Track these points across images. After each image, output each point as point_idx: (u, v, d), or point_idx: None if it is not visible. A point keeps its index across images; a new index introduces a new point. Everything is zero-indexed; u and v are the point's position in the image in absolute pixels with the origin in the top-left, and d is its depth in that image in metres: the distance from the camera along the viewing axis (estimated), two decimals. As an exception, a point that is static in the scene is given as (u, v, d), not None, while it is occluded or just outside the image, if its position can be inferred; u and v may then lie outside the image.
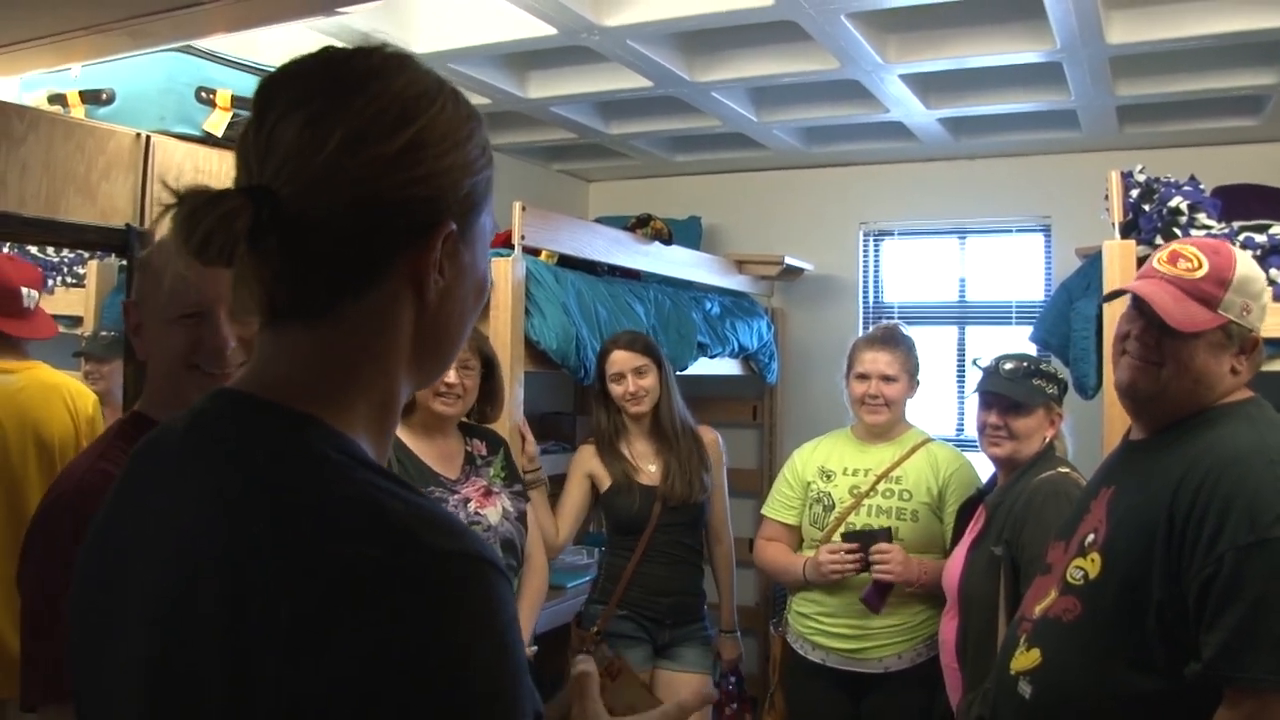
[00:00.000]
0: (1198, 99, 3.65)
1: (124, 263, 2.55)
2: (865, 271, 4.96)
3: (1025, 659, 1.86)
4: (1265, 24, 2.84)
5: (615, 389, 3.20)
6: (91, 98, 2.67)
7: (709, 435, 3.41)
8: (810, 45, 3.22)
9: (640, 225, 3.89)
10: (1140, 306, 1.84)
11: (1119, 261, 2.60)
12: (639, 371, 3.18)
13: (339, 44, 0.86)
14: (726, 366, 4.32)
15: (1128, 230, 2.69)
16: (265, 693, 0.66)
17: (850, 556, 2.96)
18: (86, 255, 3.04)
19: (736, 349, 4.27)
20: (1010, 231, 4.74)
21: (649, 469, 3.24)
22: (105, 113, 2.65)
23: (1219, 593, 1.62)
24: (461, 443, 2.69)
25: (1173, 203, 2.61)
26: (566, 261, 3.44)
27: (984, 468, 2.97)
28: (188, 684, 0.71)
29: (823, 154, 4.67)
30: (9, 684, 1.46)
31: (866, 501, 3.08)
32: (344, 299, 0.79)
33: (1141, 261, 2.39)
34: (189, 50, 2.65)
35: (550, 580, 3.05)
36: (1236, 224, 2.69)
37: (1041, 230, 4.64)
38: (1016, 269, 4.71)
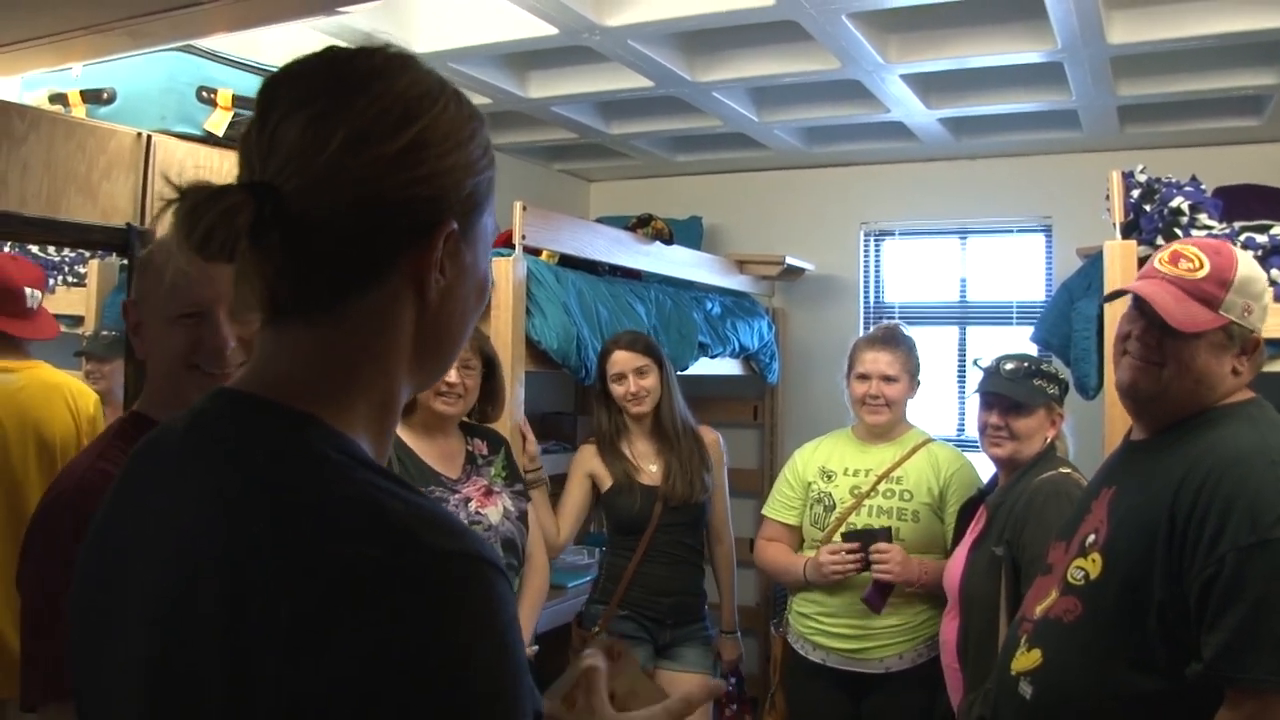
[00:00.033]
0: (1199, 99, 3.65)
1: (125, 262, 2.55)
2: (866, 271, 4.96)
3: (1026, 659, 1.86)
4: (1266, 24, 2.84)
5: (616, 389, 3.20)
6: (92, 97, 2.67)
7: (710, 435, 3.41)
8: (811, 45, 3.22)
9: (641, 225, 3.89)
10: (1141, 307, 1.83)
11: (1120, 262, 2.60)
12: (640, 371, 3.18)
13: (341, 44, 0.86)
14: (727, 366, 4.32)
15: (1129, 230, 2.69)
16: (265, 692, 0.66)
17: (851, 557, 2.96)
18: (87, 255, 3.04)
19: (737, 349, 4.27)
20: (1011, 232, 4.74)
21: (650, 469, 3.24)
22: (106, 112, 2.65)
23: (1220, 593, 1.62)
24: (462, 442, 2.69)
25: (1174, 203, 2.60)
26: (567, 261, 3.45)
27: (985, 468, 2.97)
28: (187, 684, 0.71)
29: (824, 154, 4.66)
30: (10, 683, 1.45)
31: (867, 502, 3.08)
32: (346, 297, 0.79)
33: (1143, 262, 2.38)
34: (190, 50, 2.65)
35: (551, 580, 3.05)
36: (1238, 224, 2.69)
37: (1042, 230, 4.64)
38: (1017, 269, 4.71)
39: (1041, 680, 1.82)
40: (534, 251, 3.20)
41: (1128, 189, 2.69)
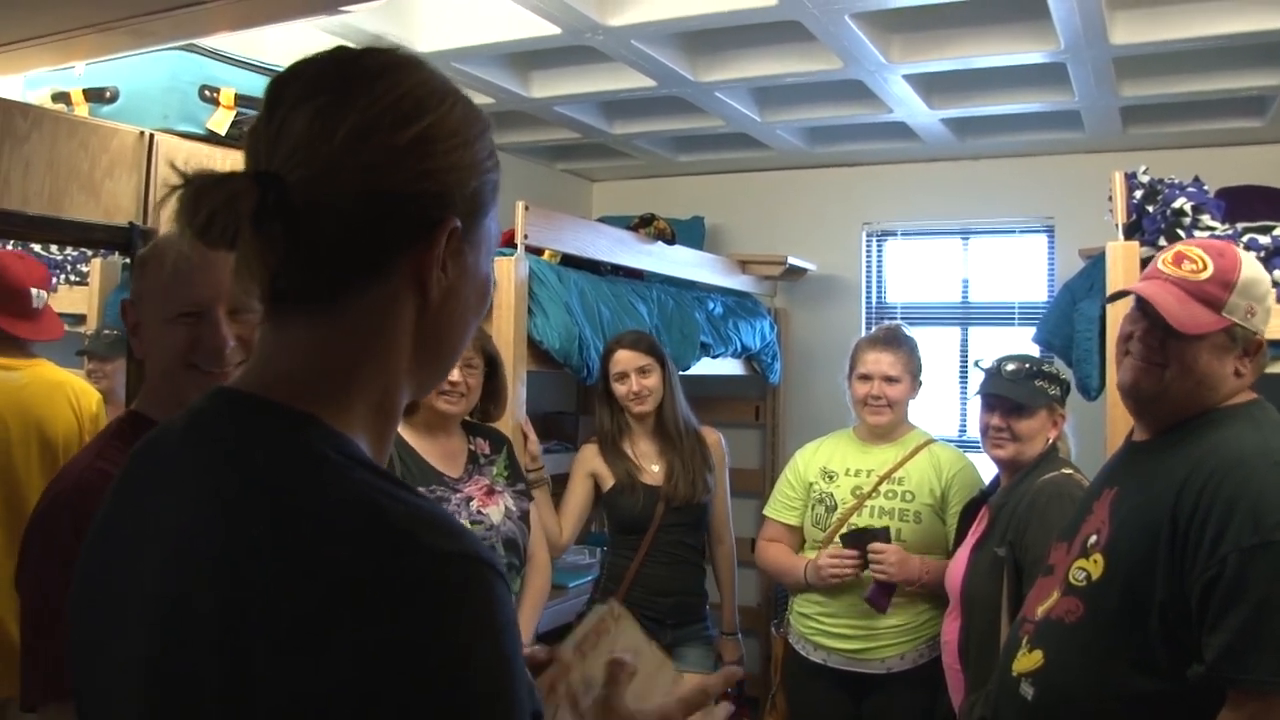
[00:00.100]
0: (1202, 100, 3.65)
1: (127, 261, 2.55)
2: (868, 272, 4.96)
3: (1027, 660, 1.86)
4: (1270, 25, 2.83)
5: (619, 388, 3.20)
6: (95, 96, 2.67)
7: (712, 436, 3.41)
8: (814, 45, 3.22)
9: (643, 225, 3.89)
10: (1144, 307, 1.83)
11: (1122, 263, 2.60)
12: (643, 371, 3.18)
13: (348, 44, 0.87)
14: (729, 366, 4.32)
15: (1131, 231, 2.68)
16: (264, 693, 0.66)
17: (849, 561, 2.97)
18: (90, 253, 3.04)
19: (739, 349, 4.26)
20: (1013, 232, 4.73)
21: (652, 469, 3.24)
22: (109, 111, 2.65)
23: (1222, 594, 1.61)
24: (464, 441, 2.69)
25: (1176, 204, 2.60)
26: (570, 261, 3.45)
27: (987, 469, 2.96)
28: (186, 684, 0.70)
29: (826, 154, 4.66)
30: (13, 681, 1.45)
31: (869, 502, 3.08)
32: (347, 291, 0.79)
33: (1145, 263, 2.38)
34: (193, 49, 2.65)
35: (553, 580, 3.05)
36: (1240, 225, 2.69)
37: (1045, 231, 4.63)
38: (1019, 270, 4.70)
39: (1043, 681, 1.82)
40: (536, 251, 3.20)
41: (1130, 190, 2.69)
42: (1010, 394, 2.64)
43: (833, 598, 3.04)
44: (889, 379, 3.11)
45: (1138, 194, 2.68)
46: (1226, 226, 2.64)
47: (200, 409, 0.82)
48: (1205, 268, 1.80)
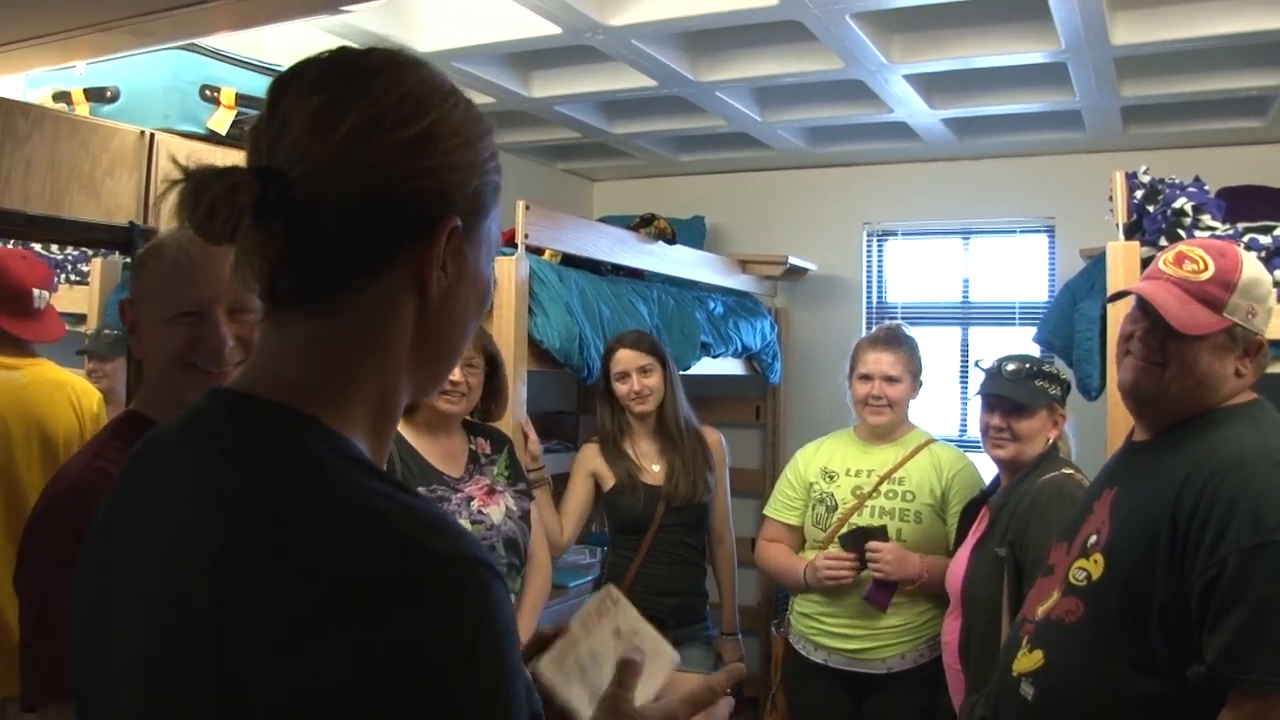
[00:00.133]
0: (1203, 100, 3.64)
1: (128, 260, 2.55)
2: (869, 272, 4.96)
3: (1028, 660, 1.86)
4: (1270, 25, 2.83)
5: (620, 388, 3.20)
6: (96, 95, 2.68)
7: (713, 436, 3.41)
8: (814, 45, 3.22)
9: (644, 225, 3.89)
10: (1145, 307, 1.83)
11: (1123, 263, 2.60)
12: (644, 370, 3.18)
13: (349, 44, 0.87)
14: (729, 366, 4.32)
15: (1132, 231, 2.68)
16: (265, 693, 0.66)
17: (846, 563, 2.97)
18: (90, 253, 3.04)
19: (740, 349, 4.26)
20: (1014, 232, 4.73)
21: (653, 468, 3.24)
22: (110, 110, 2.66)
23: (1222, 594, 1.61)
24: (465, 441, 2.69)
25: (1177, 204, 2.60)
26: (570, 261, 3.45)
27: (987, 469, 2.96)
28: (187, 684, 0.71)
29: (827, 154, 4.66)
30: (14, 680, 1.45)
31: (869, 502, 3.08)
32: (347, 288, 0.79)
33: (1146, 263, 2.38)
34: (193, 48, 2.65)
35: (553, 580, 3.05)
36: (1241, 225, 2.69)
37: (1045, 231, 4.63)
38: (1020, 270, 4.70)
39: (1043, 681, 1.82)
40: (537, 251, 3.20)
41: (1131, 190, 2.69)
42: (1011, 394, 2.64)
43: (833, 597, 3.04)
44: (889, 379, 3.11)
45: (1138, 194, 2.68)
46: (1227, 226, 2.64)
47: (199, 409, 0.82)
48: (1206, 268, 1.80)
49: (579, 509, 3.26)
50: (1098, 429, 2.64)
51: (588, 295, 3.31)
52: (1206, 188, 2.73)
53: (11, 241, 2.70)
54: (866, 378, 3.14)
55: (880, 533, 2.99)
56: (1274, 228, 2.65)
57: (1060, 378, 2.72)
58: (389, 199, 0.78)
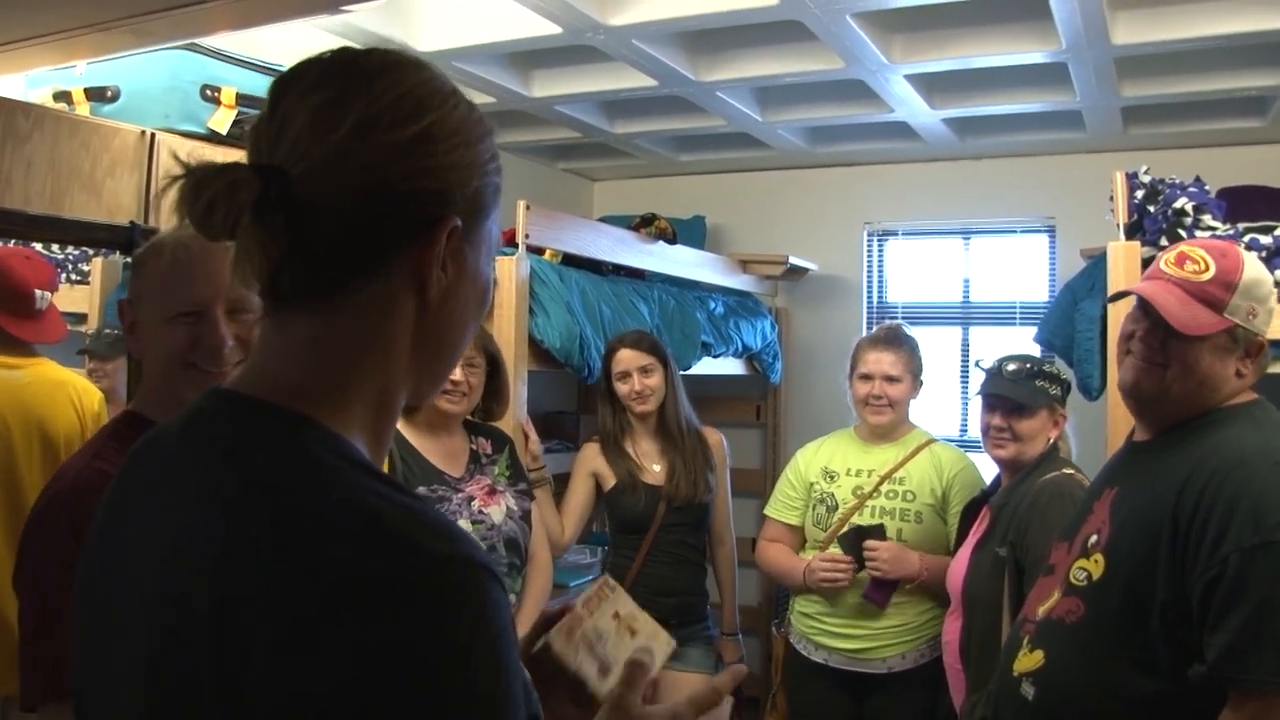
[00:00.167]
0: (1203, 100, 3.65)
1: (128, 260, 2.55)
2: (869, 272, 4.96)
3: (1028, 660, 1.86)
4: (1270, 25, 2.83)
5: (621, 388, 3.20)
6: (97, 95, 2.68)
7: (714, 436, 3.41)
8: (815, 45, 3.22)
9: (645, 224, 3.90)
10: (1145, 307, 1.83)
11: (1123, 263, 2.60)
12: (645, 370, 3.18)
13: (347, 44, 0.87)
14: (730, 366, 4.32)
15: (1132, 231, 2.68)
16: (264, 693, 0.66)
17: (843, 565, 2.97)
18: (91, 253, 3.04)
19: (740, 349, 4.26)
20: (1015, 232, 4.73)
21: (654, 468, 3.24)
22: (110, 110, 2.66)
23: (1223, 594, 1.61)
24: (466, 441, 2.69)
25: (1178, 204, 2.60)
26: (571, 260, 3.45)
27: (988, 468, 2.96)
28: (186, 684, 0.71)
29: (827, 154, 4.66)
30: (15, 680, 1.45)
31: (870, 502, 3.08)
32: (347, 287, 0.79)
33: (1146, 263, 2.38)
34: (194, 48, 2.66)
35: (554, 579, 3.05)
36: (1242, 225, 2.69)
37: (1046, 231, 4.63)
38: (1021, 270, 4.70)
39: (1044, 681, 1.82)
40: (537, 251, 3.20)
41: (1131, 190, 2.69)
42: (1011, 394, 2.64)
43: (834, 597, 3.04)
44: (890, 379, 3.11)
45: (1139, 194, 2.68)
46: (1228, 226, 2.64)
47: (199, 408, 0.82)
48: (1207, 269, 1.79)
49: (580, 509, 3.26)
50: (1098, 429, 2.64)
51: (588, 295, 3.30)
52: (1207, 188, 2.73)
53: (13, 242, 2.70)
54: (867, 377, 3.14)
55: (878, 531, 2.99)
56: (1274, 228, 2.65)
57: (1061, 378, 2.72)
58: (388, 198, 0.78)
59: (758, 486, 4.61)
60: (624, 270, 3.84)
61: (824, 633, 3.07)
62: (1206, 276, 1.79)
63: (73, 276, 3.10)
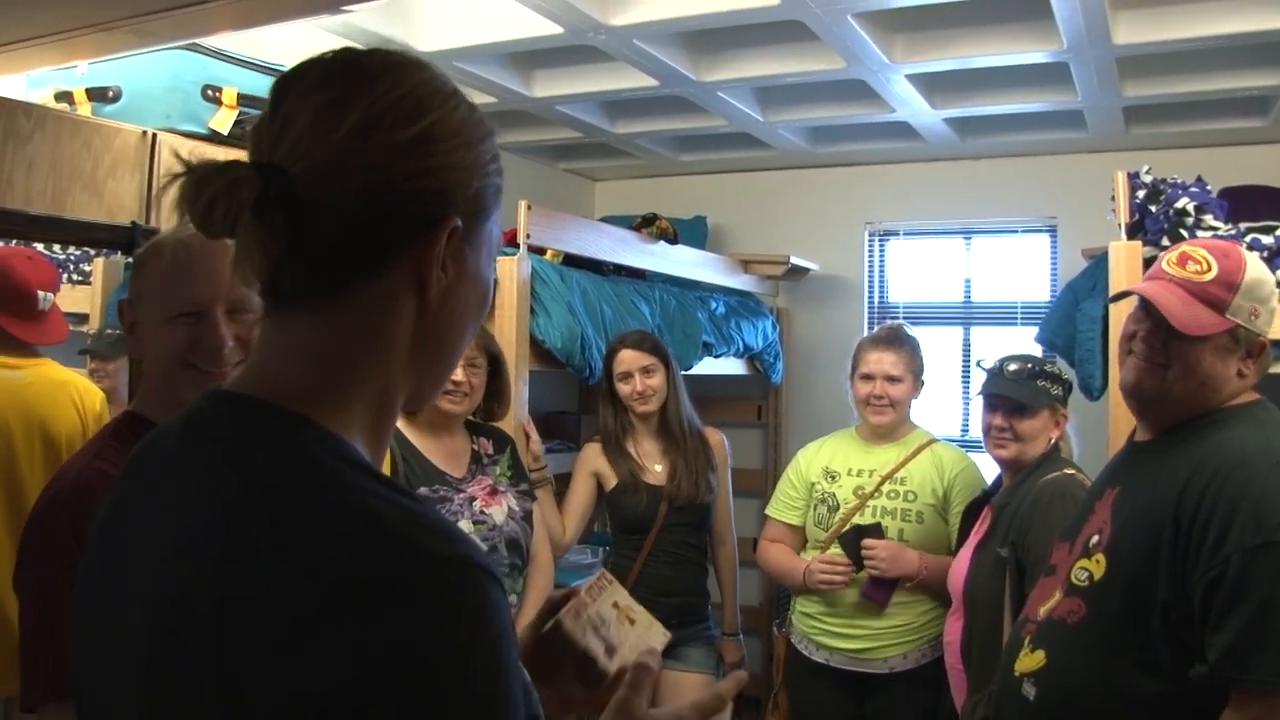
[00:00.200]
0: (1205, 100, 3.64)
1: (130, 260, 2.55)
2: (870, 271, 4.96)
3: (1030, 660, 1.86)
4: (1272, 25, 2.83)
5: (623, 388, 3.20)
6: (98, 95, 2.68)
7: (715, 437, 3.41)
8: (816, 45, 3.22)
9: (646, 224, 3.90)
10: (1147, 307, 1.83)
11: (1125, 263, 2.59)
12: (647, 371, 3.18)
13: (349, 44, 0.87)
14: (731, 366, 4.32)
15: (1134, 231, 2.68)
16: (264, 693, 0.66)
17: (841, 568, 2.98)
18: (92, 253, 3.04)
19: (741, 349, 4.26)
20: (1016, 232, 4.73)
21: (655, 468, 3.24)
22: (112, 110, 2.66)
23: (1225, 595, 1.61)
24: (468, 441, 2.69)
25: (1179, 204, 2.60)
26: (572, 260, 3.45)
27: (989, 469, 2.96)
28: (186, 684, 0.71)
29: (828, 154, 4.66)
30: (15, 681, 1.45)
31: (871, 502, 3.07)
32: (348, 287, 0.79)
33: (1148, 263, 2.38)
34: (195, 48, 2.65)
35: (555, 580, 3.05)
36: (1243, 225, 2.68)
37: (1047, 231, 4.63)
38: (1022, 269, 4.70)
39: (1045, 681, 1.82)
40: (539, 251, 3.20)
41: (1133, 189, 2.69)
42: (1012, 394, 2.64)
43: (835, 597, 3.04)
44: (891, 379, 3.11)
45: (1140, 194, 2.68)
46: (1229, 226, 2.64)
47: (199, 409, 0.82)
48: (1209, 269, 1.79)
49: (581, 509, 3.26)
50: (1099, 429, 2.64)
51: (589, 295, 3.30)
52: (1209, 187, 2.72)
53: (14, 242, 2.70)
54: (868, 377, 3.14)
55: (875, 530, 2.99)
56: (1276, 228, 2.64)
57: (1062, 378, 2.71)
58: (389, 198, 0.78)
59: (759, 486, 4.61)
60: (625, 270, 3.84)
61: (825, 633, 3.07)
62: (1209, 277, 1.78)
63: (74, 277, 3.10)
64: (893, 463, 3.12)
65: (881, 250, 4.98)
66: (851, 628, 3.02)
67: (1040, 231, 4.66)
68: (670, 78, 3.49)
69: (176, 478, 0.79)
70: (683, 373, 3.46)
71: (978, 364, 2.89)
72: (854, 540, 2.99)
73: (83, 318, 3.03)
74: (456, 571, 0.71)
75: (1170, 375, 1.80)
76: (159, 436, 0.85)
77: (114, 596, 0.81)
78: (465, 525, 2.51)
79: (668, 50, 3.29)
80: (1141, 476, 1.84)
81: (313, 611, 0.67)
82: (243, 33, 2.62)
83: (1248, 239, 2.58)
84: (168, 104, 2.64)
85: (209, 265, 1.43)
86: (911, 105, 3.79)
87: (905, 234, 4.94)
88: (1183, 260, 1.83)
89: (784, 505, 3.28)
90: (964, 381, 4.71)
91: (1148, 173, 2.71)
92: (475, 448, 2.69)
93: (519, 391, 2.92)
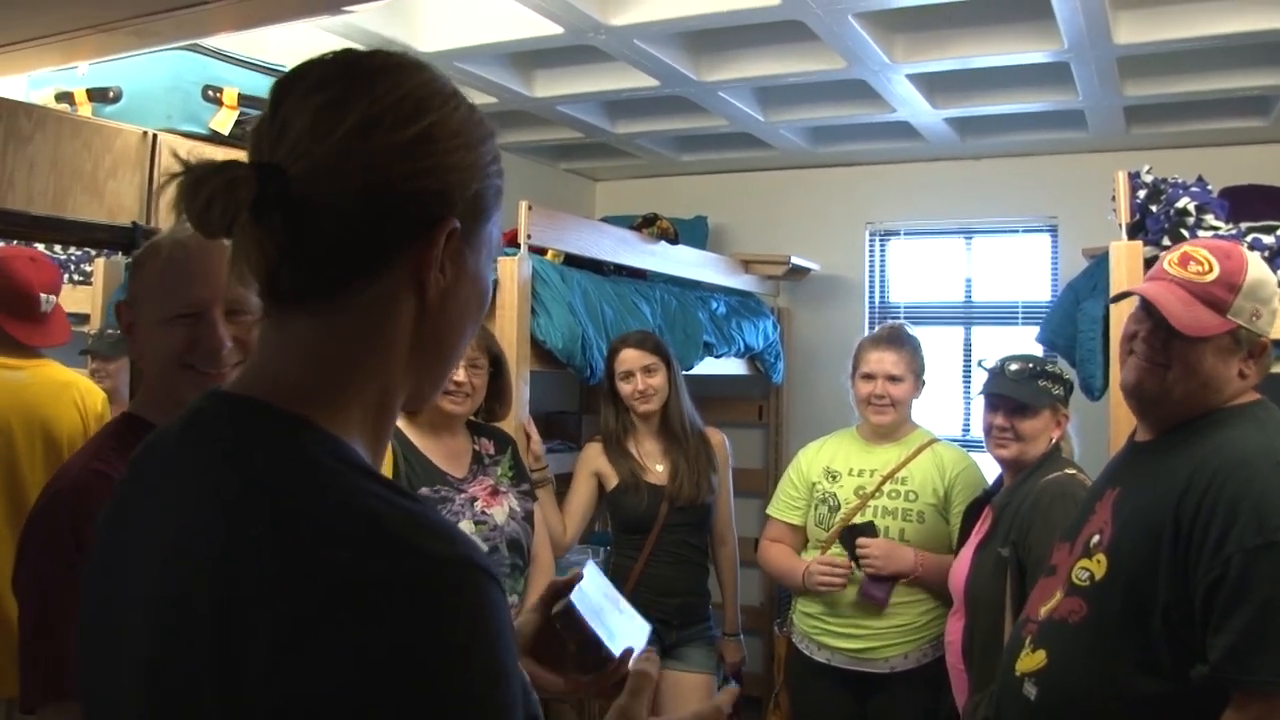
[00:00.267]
0: (1205, 99, 3.64)
1: (130, 261, 2.55)
2: (871, 271, 4.96)
3: (1030, 660, 1.86)
4: (1272, 25, 2.83)
5: (624, 388, 3.20)
6: (99, 96, 2.68)
7: (716, 437, 3.41)
8: (817, 45, 3.22)
9: (646, 225, 3.89)
10: (1148, 307, 1.83)
11: (1126, 262, 2.59)
12: (648, 370, 3.18)
13: (349, 44, 0.87)
14: (732, 366, 4.32)
15: (1135, 231, 2.68)
16: (264, 694, 0.66)
17: (839, 569, 2.98)
18: (93, 253, 3.05)
19: (742, 349, 4.26)
20: (1017, 232, 4.73)
21: (656, 468, 3.24)
22: (112, 111, 2.66)
23: (1226, 595, 1.61)
24: (469, 441, 2.69)
25: (1180, 203, 2.60)
26: (573, 261, 3.45)
27: (990, 468, 2.96)
28: (187, 685, 0.71)
29: (829, 154, 4.66)
30: (15, 681, 1.44)
31: (872, 502, 3.07)
32: (347, 288, 0.79)
33: (1149, 263, 2.38)
34: (196, 49, 2.66)
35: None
36: (1244, 225, 2.68)
37: (1048, 231, 4.63)
38: (1023, 269, 4.71)
39: (1046, 681, 1.81)
40: (539, 251, 3.20)
41: (1134, 189, 2.69)
42: (1013, 394, 2.64)
43: (836, 597, 3.04)
44: (892, 378, 3.11)
45: (1141, 194, 2.68)
46: (1230, 226, 2.64)
47: (198, 409, 0.82)
48: (1211, 269, 1.79)
49: (582, 509, 3.26)
50: (1100, 429, 2.64)
51: (590, 295, 3.31)
52: (1209, 187, 2.72)
53: (15, 243, 2.70)
54: (869, 377, 3.14)
55: (868, 528, 2.99)
56: (1277, 227, 2.64)
57: (1063, 378, 2.71)
58: (389, 199, 0.78)
59: (760, 486, 4.61)
60: (626, 270, 3.84)
61: (826, 632, 3.07)
62: (1210, 277, 1.78)
63: (75, 277, 3.10)
64: (894, 462, 3.11)
65: (882, 250, 4.98)
66: (853, 627, 3.02)
67: (1041, 231, 4.66)
68: (671, 78, 3.49)
69: (176, 478, 0.79)
70: (684, 373, 3.46)
71: (979, 364, 2.88)
72: (849, 540, 3.00)
73: (83, 318, 3.03)
74: (456, 572, 0.71)
75: (1171, 376, 1.80)
76: (159, 438, 0.85)
77: (115, 598, 0.81)
78: (466, 526, 2.51)
79: (668, 50, 3.30)
80: (1142, 477, 1.84)
81: (313, 612, 0.67)
82: (243, 33, 2.62)
83: (1249, 239, 2.58)
84: (168, 104, 2.64)
85: (206, 266, 1.43)
86: (912, 105, 3.79)
87: (906, 234, 4.94)
88: (1184, 261, 1.83)
89: (785, 505, 3.27)
90: (965, 381, 4.71)
91: (1148, 172, 2.71)
92: (476, 448, 2.69)
93: (520, 392, 2.92)
